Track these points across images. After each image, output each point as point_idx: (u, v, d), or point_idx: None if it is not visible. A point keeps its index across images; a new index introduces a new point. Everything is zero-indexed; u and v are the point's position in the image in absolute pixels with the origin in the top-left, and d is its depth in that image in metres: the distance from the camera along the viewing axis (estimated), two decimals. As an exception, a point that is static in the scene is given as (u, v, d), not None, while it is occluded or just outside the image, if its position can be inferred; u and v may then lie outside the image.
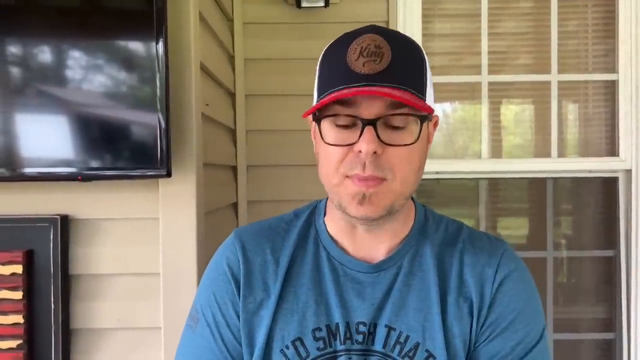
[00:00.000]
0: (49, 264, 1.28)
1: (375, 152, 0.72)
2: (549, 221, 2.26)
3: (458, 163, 2.23)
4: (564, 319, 2.28)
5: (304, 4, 2.03)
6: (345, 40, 0.76)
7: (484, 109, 2.22)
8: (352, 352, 0.79)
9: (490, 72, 2.20)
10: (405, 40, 0.79)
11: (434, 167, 2.17)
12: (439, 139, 2.27)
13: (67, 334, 1.31)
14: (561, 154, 2.21)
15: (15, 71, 1.23)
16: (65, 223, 1.31)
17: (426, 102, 0.76)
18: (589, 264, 2.29)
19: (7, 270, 1.26)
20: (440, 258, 0.83)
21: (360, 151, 0.72)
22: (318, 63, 0.80)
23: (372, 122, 0.72)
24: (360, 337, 0.79)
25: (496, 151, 2.26)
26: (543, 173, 2.22)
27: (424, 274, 0.82)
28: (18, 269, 1.26)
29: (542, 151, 2.23)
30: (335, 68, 0.75)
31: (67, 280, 1.31)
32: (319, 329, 0.80)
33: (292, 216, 0.90)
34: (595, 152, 2.22)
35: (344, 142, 0.74)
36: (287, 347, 0.79)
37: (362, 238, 0.83)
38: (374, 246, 0.83)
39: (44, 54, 1.23)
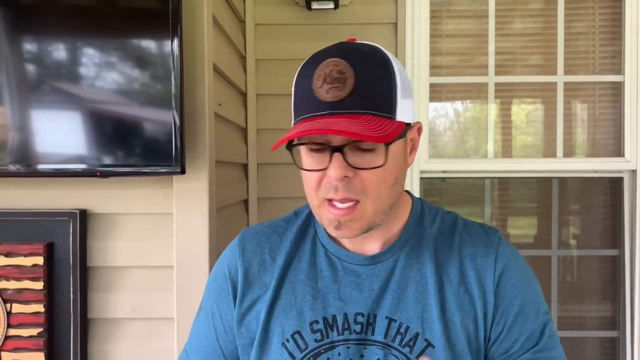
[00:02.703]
0: (68, 256, 1.34)
1: (346, 177, 0.75)
2: (554, 220, 2.29)
3: (464, 162, 2.26)
4: (568, 317, 2.31)
5: (314, 6, 2.07)
6: (311, 63, 0.77)
7: (491, 109, 2.26)
8: (349, 342, 0.82)
9: (497, 73, 2.23)
10: (371, 57, 0.78)
11: (440, 166, 2.21)
12: (445, 138, 2.31)
13: (85, 323, 1.37)
14: (567, 154, 2.24)
15: (33, 68, 1.28)
16: (83, 217, 1.37)
17: (397, 117, 0.76)
18: (594, 262, 2.32)
19: (28, 261, 1.32)
20: (438, 250, 0.86)
21: (330, 176, 0.75)
22: (293, 82, 0.81)
23: (339, 149, 0.74)
24: (358, 327, 0.82)
25: (502, 151, 2.29)
26: (548, 173, 2.25)
27: (421, 266, 0.85)
28: (39, 260, 1.32)
29: (548, 151, 2.26)
30: (303, 94, 0.77)
31: (85, 272, 1.37)
32: (316, 322, 0.83)
33: (292, 215, 0.94)
34: (600, 152, 2.25)
35: (317, 167, 0.77)
36: (288, 341, 0.83)
37: None
38: (370, 241, 0.86)
39: (62, 52, 1.28)
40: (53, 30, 1.28)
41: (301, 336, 0.83)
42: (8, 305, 1.32)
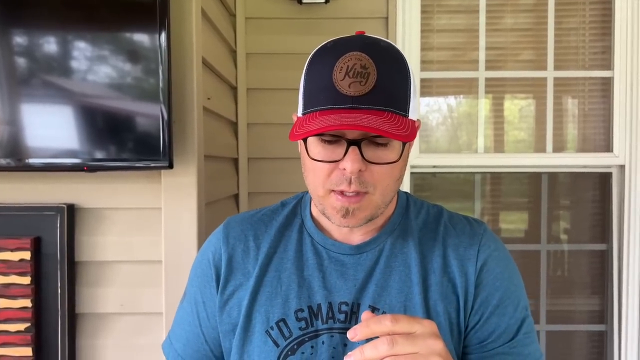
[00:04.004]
0: (56, 251, 1.33)
1: (359, 170, 0.75)
2: (543, 215, 2.31)
3: (454, 157, 2.27)
4: (556, 311, 2.33)
5: (304, 0, 2.06)
6: (331, 53, 0.76)
7: (481, 104, 2.26)
8: (333, 331, 0.83)
9: (488, 68, 2.24)
10: (391, 54, 0.78)
11: (430, 161, 2.22)
12: (436, 133, 2.31)
13: (72, 318, 1.37)
14: (557, 149, 2.25)
15: (20, 62, 1.26)
16: (71, 212, 1.36)
17: (409, 116, 0.77)
18: (582, 257, 2.34)
19: (16, 256, 1.31)
20: (422, 241, 0.87)
21: (345, 169, 0.75)
22: (305, 67, 0.80)
23: (356, 142, 0.74)
24: (342, 316, 0.83)
25: (492, 146, 2.30)
26: (538, 168, 2.26)
27: (406, 256, 0.86)
28: (26, 255, 1.31)
29: (538, 146, 2.27)
30: (321, 85, 0.76)
31: (73, 267, 1.37)
32: (301, 310, 0.84)
33: (279, 205, 0.95)
34: (589, 148, 2.26)
35: (330, 158, 0.76)
36: (272, 328, 0.84)
37: None
38: (356, 232, 0.87)
39: (48, 45, 1.26)
40: (39, 23, 1.26)
41: (286, 324, 0.84)
42: (-5, 300, 1.32)
